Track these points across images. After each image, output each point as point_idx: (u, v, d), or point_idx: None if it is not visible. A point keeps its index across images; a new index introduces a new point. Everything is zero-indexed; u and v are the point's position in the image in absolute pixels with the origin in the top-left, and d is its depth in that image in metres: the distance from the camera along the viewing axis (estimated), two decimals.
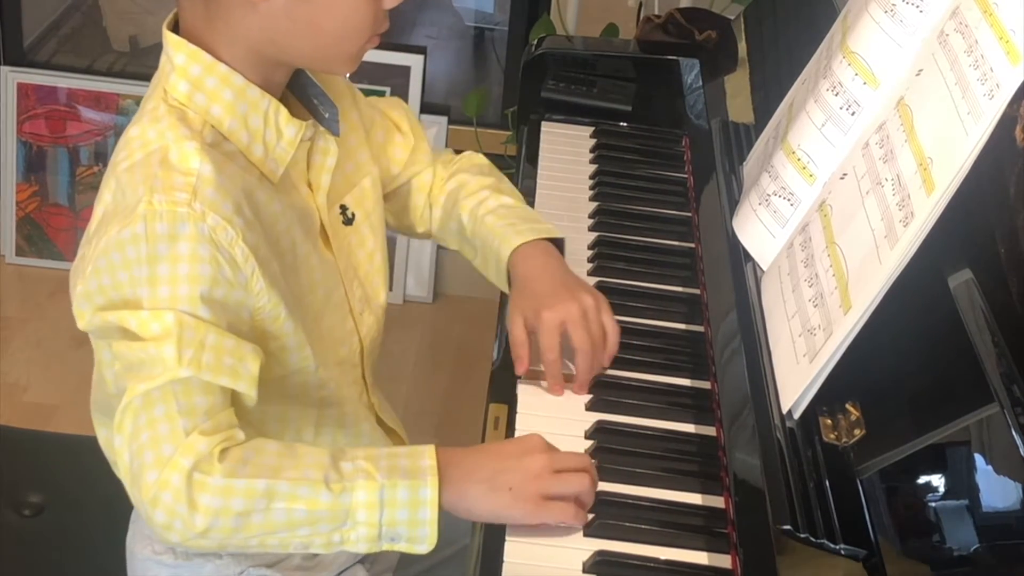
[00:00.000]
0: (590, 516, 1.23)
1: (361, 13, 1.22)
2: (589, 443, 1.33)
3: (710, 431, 1.35)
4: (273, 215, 1.25)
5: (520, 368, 1.38)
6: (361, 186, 1.40)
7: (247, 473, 1.16)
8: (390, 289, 1.45)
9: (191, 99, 1.22)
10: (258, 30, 1.21)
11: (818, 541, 1.08)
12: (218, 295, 1.18)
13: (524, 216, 1.47)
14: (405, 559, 1.54)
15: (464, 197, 1.49)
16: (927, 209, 1.12)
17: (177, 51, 1.23)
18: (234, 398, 1.21)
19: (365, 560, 1.48)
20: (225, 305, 1.19)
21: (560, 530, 1.22)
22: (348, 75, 1.43)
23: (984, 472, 1.05)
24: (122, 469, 1.19)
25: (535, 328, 1.37)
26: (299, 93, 1.32)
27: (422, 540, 1.18)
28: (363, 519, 1.16)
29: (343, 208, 1.37)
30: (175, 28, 1.26)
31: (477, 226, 1.47)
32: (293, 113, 1.27)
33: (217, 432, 1.17)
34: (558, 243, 1.46)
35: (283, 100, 1.27)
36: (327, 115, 1.33)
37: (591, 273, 1.60)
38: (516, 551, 1.20)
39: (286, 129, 1.26)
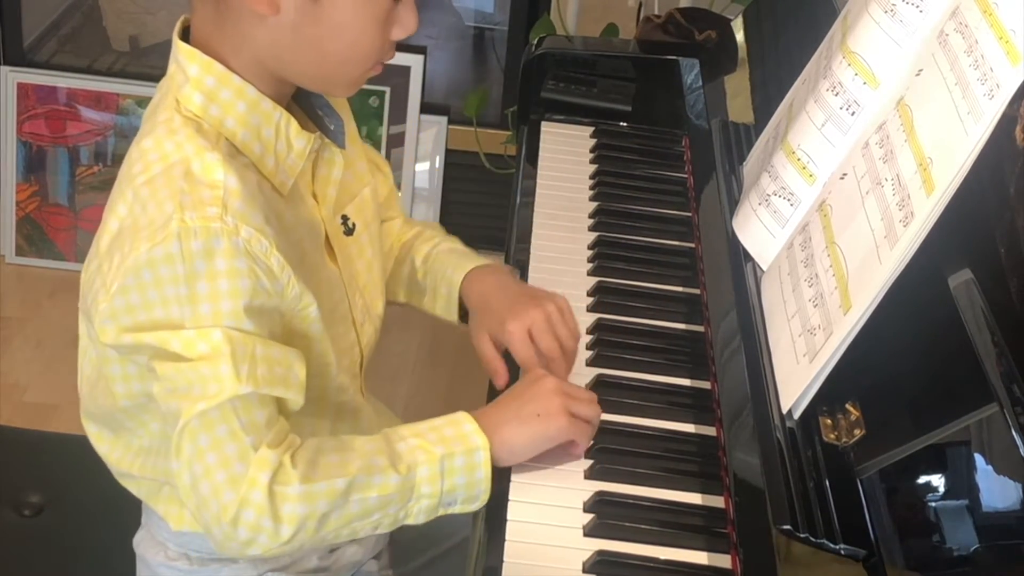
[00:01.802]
0: (591, 516, 1.23)
1: (368, 40, 1.22)
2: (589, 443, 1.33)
3: (710, 431, 1.35)
4: (288, 226, 1.24)
5: (500, 381, 1.38)
6: (361, 196, 1.40)
7: (321, 475, 1.18)
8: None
9: (205, 111, 1.21)
10: (265, 43, 1.20)
11: (818, 541, 1.08)
12: (258, 306, 1.17)
13: (479, 257, 1.49)
14: (407, 554, 1.54)
15: (421, 242, 1.51)
16: (927, 209, 1.12)
17: (190, 62, 1.21)
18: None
19: (379, 556, 1.49)
20: (266, 315, 1.19)
21: (562, 525, 1.22)
22: None
23: (984, 472, 1.05)
24: (183, 489, 1.18)
25: (505, 342, 1.38)
26: (304, 104, 1.32)
27: (476, 498, 1.24)
28: (427, 491, 1.21)
29: (344, 218, 1.36)
30: (184, 36, 1.24)
31: (429, 265, 1.49)
32: (300, 126, 1.27)
33: (281, 442, 1.18)
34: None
35: (289, 112, 1.27)
36: (332, 127, 1.32)
37: (591, 273, 1.60)
38: (516, 550, 1.20)
39: (296, 141, 1.25)
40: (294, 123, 1.25)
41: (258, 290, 1.17)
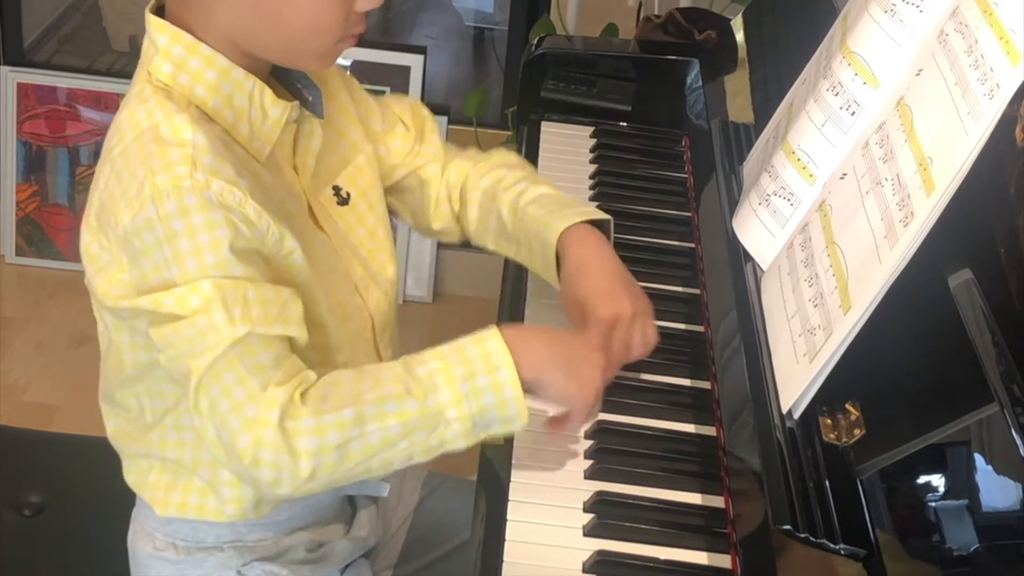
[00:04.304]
0: (591, 516, 1.23)
1: (328, 11, 1.22)
2: (589, 443, 1.33)
3: (710, 431, 1.35)
4: (268, 187, 1.25)
5: None
6: (356, 164, 1.40)
7: (330, 407, 1.18)
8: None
9: (175, 80, 1.22)
10: (230, 20, 1.22)
11: (818, 541, 1.08)
12: (242, 252, 1.18)
13: (565, 203, 1.44)
14: (407, 556, 1.54)
15: (502, 191, 1.47)
16: (927, 209, 1.12)
17: (160, 33, 1.23)
18: None
19: (369, 555, 1.49)
20: (251, 259, 1.19)
21: (561, 536, 1.22)
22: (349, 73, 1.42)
23: (984, 472, 1.05)
24: (211, 443, 1.20)
25: (590, 323, 1.32)
26: (282, 77, 1.32)
27: (514, 419, 1.21)
28: (454, 416, 1.19)
29: (336, 189, 1.37)
30: (159, 13, 1.26)
31: (519, 218, 1.43)
32: (277, 96, 1.27)
33: (290, 379, 1.18)
34: (604, 226, 1.42)
35: (267, 84, 1.27)
36: (310, 98, 1.33)
37: None
38: (516, 550, 1.20)
39: (271, 109, 1.26)
40: (268, 91, 1.25)
41: (237, 236, 1.18)
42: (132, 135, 1.20)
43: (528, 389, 1.21)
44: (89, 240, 1.25)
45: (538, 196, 1.44)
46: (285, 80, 1.33)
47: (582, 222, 1.39)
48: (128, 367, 1.29)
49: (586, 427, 1.35)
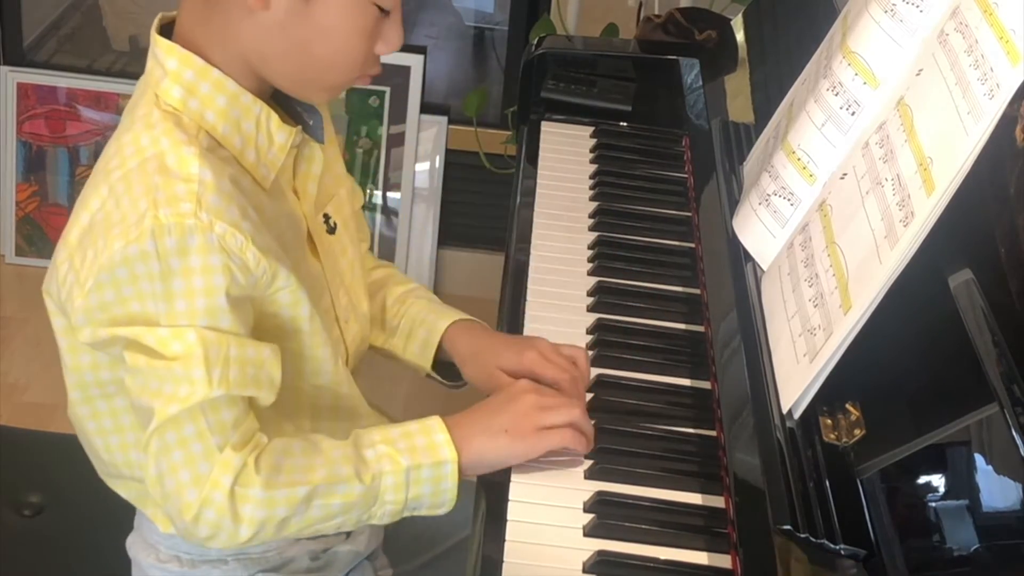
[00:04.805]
0: (591, 516, 1.23)
1: (354, 48, 1.22)
2: None
3: (710, 431, 1.35)
4: (270, 219, 1.24)
5: None
6: (339, 196, 1.40)
7: (284, 481, 1.19)
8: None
9: (185, 105, 1.20)
10: (251, 40, 1.20)
11: (818, 541, 1.08)
12: (234, 303, 1.17)
13: (459, 311, 1.49)
14: (405, 554, 1.54)
15: (393, 284, 1.51)
16: (927, 209, 1.12)
17: (168, 55, 1.21)
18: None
19: (370, 556, 1.49)
20: (242, 311, 1.19)
21: (563, 513, 1.22)
22: None
23: (984, 472, 1.05)
24: (149, 481, 1.20)
25: (527, 366, 1.37)
26: (282, 100, 1.31)
27: (442, 505, 1.26)
28: (390, 499, 1.23)
29: (326, 217, 1.36)
30: (165, 34, 1.24)
31: (403, 307, 1.48)
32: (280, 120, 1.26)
33: (246, 443, 1.19)
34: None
35: (268, 107, 1.26)
36: (311, 122, 1.32)
37: (591, 273, 1.60)
38: (516, 550, 1.20)
39: (277, 135, 1.25)
40: (275, 116, 1.25)
41: (233, 286, 1.17)
42: (135, 161, 1.18)
43: (474, 472, 1.27)
44: (62, 259, 1.21)
45: (430, 298, 1.50)
46: (285, 104, 1.32)
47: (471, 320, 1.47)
48: (91, 386, 1.28)
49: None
